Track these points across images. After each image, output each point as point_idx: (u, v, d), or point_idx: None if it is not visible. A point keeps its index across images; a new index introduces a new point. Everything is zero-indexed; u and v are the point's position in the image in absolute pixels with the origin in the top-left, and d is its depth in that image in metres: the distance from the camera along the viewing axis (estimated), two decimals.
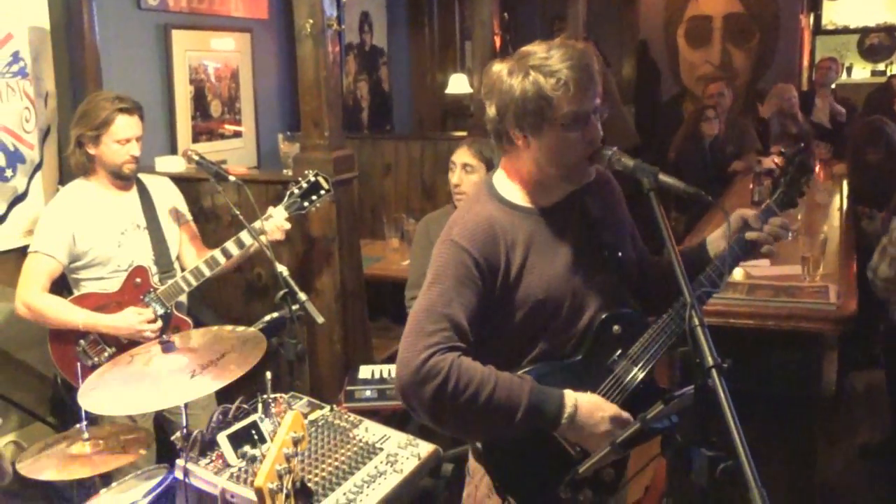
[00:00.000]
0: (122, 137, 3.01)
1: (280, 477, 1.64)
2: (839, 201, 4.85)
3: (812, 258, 3.23)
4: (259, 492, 1.60)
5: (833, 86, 7.39)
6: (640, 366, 1.85)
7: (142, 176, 3.20)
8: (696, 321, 1.44)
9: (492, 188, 1.89)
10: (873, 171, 4.68)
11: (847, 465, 4.07)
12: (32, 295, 2.95)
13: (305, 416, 2.26)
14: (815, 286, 3.10)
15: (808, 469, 3.14)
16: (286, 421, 1.72)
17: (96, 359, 2.98)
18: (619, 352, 1.86)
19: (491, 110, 1.80)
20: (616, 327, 1.86)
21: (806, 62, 8.62)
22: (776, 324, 2.90)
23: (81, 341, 2.99)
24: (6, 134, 3.39)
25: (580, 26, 7.30)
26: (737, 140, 6.38)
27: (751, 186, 5.14)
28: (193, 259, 3.19)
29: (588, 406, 1.76)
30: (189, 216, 3.33)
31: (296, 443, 1.70)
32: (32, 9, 3.43)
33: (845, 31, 9.27)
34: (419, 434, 2.27)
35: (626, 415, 1.79)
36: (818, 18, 9.18)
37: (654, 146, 7.44)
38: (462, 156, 3.20)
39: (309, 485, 1.94)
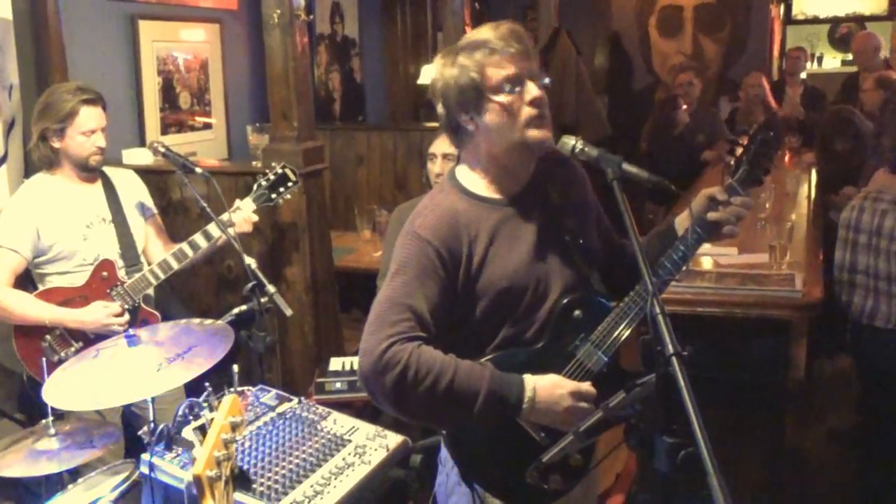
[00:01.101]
0: (87, 129, 2.96)
1: (218, 464, 1.58)
2: (807, 190, 4.90)
3: (779, 246, 3.27)
4: (198, 480, 1.55)
5: (804, 75, 7.47)
6: (602, 350, 1.87)
7: (106, 169, 3.16)
8: (658, 309, 1.45)
9: (455, 180, 1.91)
10: (841, 160, 4.73)
11: (817, 448, 4.13)
12: None
13: (273, 408, 2.25)
14: (782, 274, 3.14)
15: (778, 452, 3.19)
16: (223, 405, 1.66)
17: (63, 354, 2.94)
18: (581, 336, 1.88)
19: (439, 107, 1.85)
20: (577, 312, 1.88)
21: (777, 52, 8.70)
22: (743, 311, 2.93)
23: (48, 336, 2.95)
24: None
25: (552, 16, 7.32)
26: (707, 129, 6.43)
27: (723, 175, 5.17)
28: (159, 252, 3.17)
29: (546, 387, 1.78)
30: (154, 209, 3.30)
31: (234, 427, 1.64)
32: None
33: (815, 21, 9.36)
34: (392, 426, 2.27)
35: (584, 387, 1.82)
36: (788, 8, 9.27)
37: (628, 136, 7.47)
38: (441, 145, 3.18)
39: (276, 477, 1.95)
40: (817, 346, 4.76)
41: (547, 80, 1.84)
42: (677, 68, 7.83)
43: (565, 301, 1.87)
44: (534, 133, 1.80)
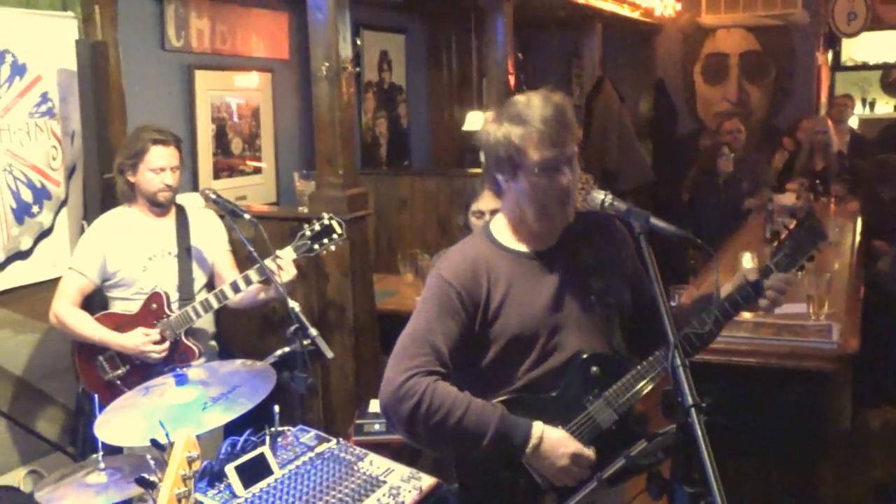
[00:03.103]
0: (156, 166, 3.21)
1: (179, 501, 1.66)
2: (851, 238, 4.86)
3: (817, 296, 3.26)
4: None
5: (855, 121, 7.39)
6: (615, 407, 1.93)
7: (186, 206, 3.40)
8: (679, 361, 1.50)
9: (487, 229, 2.04)
10: (886, 208, 4.71)
11: (860, 502, 4.05)
12: (62, 307, 3.18)
13: (312, 448, 2.32)
14: (819, 325, 3.12)
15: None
16: (178, 443, 1.73)
17: (111, 374, 3.18)
18: (596, 391, 1.94)
19: (481, 155, 2.01)
20: (595, 368, 1.94)
21: (825, 98, 8.66)
22: (778, 362, 2.92)
23: (100, 357, 3.19)
24: (34, 171, 3.52)
25: (596, 65, 7.40)
26: (751, 176, 6.41)
27: (765, 224, 5.15)
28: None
29: (553, 441, 1.86)
30: (227, 247, 3.46)
31: (190, 463, 1.71)
32: (60, 52, 3.57)
33: (864, 67, 9.31)
34: (428, 468, 2.32)
35: (587, 453, 1.88)
36: (837, 55, 9.23)
37: (672, 182, 7.48)
38: (487, 202, 3.11)
39: None
40: (862, 397, 4.69)
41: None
42: (723, 115, 7.84)
43: (584, 356, 1.94)
44: (557, 211, 1.91)
